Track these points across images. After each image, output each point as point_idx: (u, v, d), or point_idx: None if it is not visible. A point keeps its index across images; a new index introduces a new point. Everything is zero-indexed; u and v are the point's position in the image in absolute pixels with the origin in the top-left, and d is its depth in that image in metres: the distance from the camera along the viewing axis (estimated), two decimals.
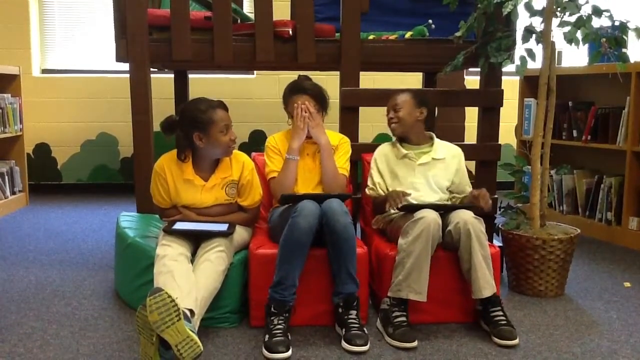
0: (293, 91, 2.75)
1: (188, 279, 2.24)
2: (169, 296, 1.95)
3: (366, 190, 2.79)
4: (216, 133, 2.48)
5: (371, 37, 3.24)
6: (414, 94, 2.77)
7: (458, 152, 2.80)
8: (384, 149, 2.81)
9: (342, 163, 2.78)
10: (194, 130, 2.48)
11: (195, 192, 2.57)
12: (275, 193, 2.72)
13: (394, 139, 2.84)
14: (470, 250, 2.38)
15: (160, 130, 2.57)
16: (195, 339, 1.97)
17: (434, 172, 2.71)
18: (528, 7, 2.77)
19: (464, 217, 2.42)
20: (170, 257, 2.30)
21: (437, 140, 2.78)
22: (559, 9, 2.75)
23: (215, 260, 2.33)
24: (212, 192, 2.58)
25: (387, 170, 2.74)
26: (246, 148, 5.28)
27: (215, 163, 2.60)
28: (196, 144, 2.50)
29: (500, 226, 2.99)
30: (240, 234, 2.58)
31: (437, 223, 2.39)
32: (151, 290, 1.98)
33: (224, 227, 2.47)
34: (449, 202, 2.72)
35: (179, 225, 2.48)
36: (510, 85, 4.38)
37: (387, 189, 2.72)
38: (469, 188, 2.77)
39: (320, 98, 2.76)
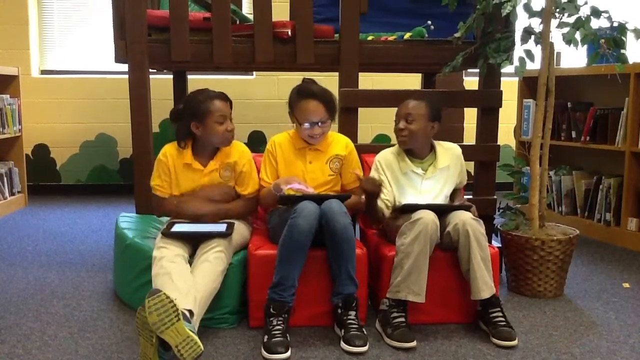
0: (301, 95, 2.65)
1: (186, 279, 2.24)
2: (168, 297, 1.95)
3: (382, 206, 2.63)
4: (212, 123, 2.56)
5: (370, 38, 3.24)
6: (429, 106, 2.62)
7: (457, 152, 2.75)
8: (387, 157, 2.70)
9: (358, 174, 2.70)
10: (192, 119, 2.58)
11: (193, 176, 2.63)
12: (260, 203, 2.74)
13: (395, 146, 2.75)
14: (469, 251, 2.37)
15: (170, 119, 2.70)
16: (196, 339, 1.97)
17: (440, 183, 2.67)
18: (527, 8, 2.78)
19: (463, 218, 2.42)
20: (167, 258, 2.30)
21: (437, 146, 2.70)
22: (557, 10, 2.75)
23: (214, 261, 2.34)
24: (209, 176, 2.65)
25: (392, 182, 2.67)
26: None
27: (215, 151, 2.67)
28: (194, 132, 2.59)
29: (499, 227, 2.99)
30: (240, 233, 2.58)
31: (434, 223, 2.38)
32: (150, 291, 1.98)
33: (222, 227, 2.48)
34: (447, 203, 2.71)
35: (177, 228, 2.48)
36: (509, 86, 4.37)
37: (394, 200, 2.67)
38: (465, 181, 2.78)
39: (329, 104, 2.64)
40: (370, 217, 2.73)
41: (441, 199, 2.67)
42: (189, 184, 2.64)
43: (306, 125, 2.62)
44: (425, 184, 2.65)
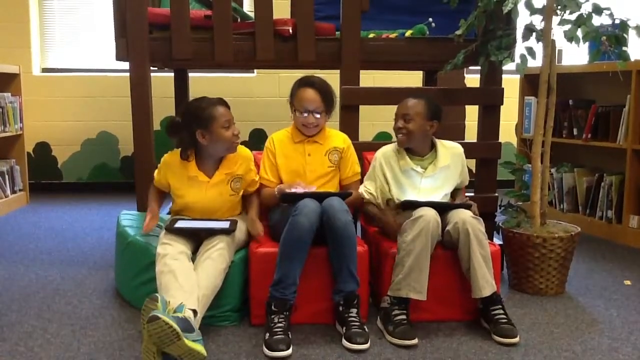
0: (301, 83, 2.70)
1: (190, 278, 2.25)
2: (166, 323, 1.94)
3: (363, 190, 2.71)
4: (218, 129, 2.49)
5: (371, 35, 3.24)
6: (427, 105, 2.62)
7: (459, 150, 2.74)
8: (387, 155, 2.70)
9: (356, 169, 2.78)
10: (197, 127, 2.50)
11: (199, 188, 2.58)
12: (261, 201, 2.74)
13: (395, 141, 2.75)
14: (469, 249, 2.37)
15: (165, 132, 2.58)
16: (197, 349, 1.99)
17: (439, 182, 2.66)
18: (528, 5, 2.77)
19: (463, 216, 2.42)
20: (171, 256, 2.31)
21: (438, 145, 2.69)
22: (559, 7, 2.75)
23: (217, 258, 2.34)
24: (217, 187, 2.59)
25: (392, 179, 2.67)
26: (247, 147, 5.27)
27: (220, 160, 2.62)
28: (200, 142, 2.51)
29: (500, 224, 2.99)
30: (242, 231, 2.58)
31: (436, 221, 2.38)
32: (149, 316, 1.96)
33: (225, 224, 2.48)
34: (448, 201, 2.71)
35: (181, 224, 2.48)
36: (511, 84, 4.38)
37: (389, 196, 2.68)
38: (467, 181, 2.78)
39: (326, 96, 2.67)
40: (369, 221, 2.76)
41: (441, 197, 2.67)
42: (194, 194, 2.58)
43: (302, 113, 2.65)
44: (425, 182, 2.65)
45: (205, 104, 2.52)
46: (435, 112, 2.64)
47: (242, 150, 2.67)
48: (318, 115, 2.65)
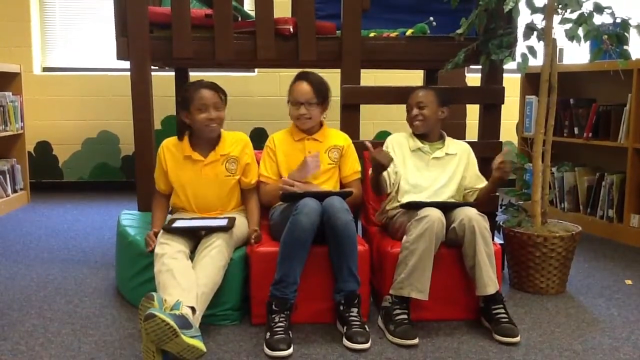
0: (296, 77, 2.74)
1: (188, 276, 2.25)
2: (163, 320, 1.94)
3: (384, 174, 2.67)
4: (194, 111, 2.58)
5: (372, 34, 3.24)
6: (436, 92, 2.75)
7: (467, 147, 2.80)
8: (398, 138, 2.78)
9: (356, 167, 2.80)
10: (181, 108, 2.63)
11: (194, 168, 2.63)
12: (261, 199, 2.75)
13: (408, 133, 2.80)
14: (474, 247, 2.37)
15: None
16: (196, 345, 1.98)
17: (447, 167, 2.70)
18: (529, 4, 2.77)
19: (469, 214, 2.42)
20: (169, 255, 2.31)
21: (447, 138, 2.78)
22: (560, 6, 2.74)
23: (215, 256, 2.34)
24: (212, 167, 2.64)
25: (400, 159, 2.71)
26: None
27: (215, 141, 2.67)
28: (185, 121, 2.64)
29: (501, 224, 2.99)
30: (241, 228, 2.58)
31: (441, 221, 2.38)
32: (146, 314, 1.96)
33: (223, 221, 2.48)
34: (455, 200, 2.71)
35: (179, 223, 2.48)
36: (512, 83, 4.37)
37: (395, 177, 2.68)
38: (482, 182, 2.75)
39: (318, 87, 2.69)
40: (374, 191, 2.72)
41: (448, 188, 2.67)
42: (189, 175, 2.63)
43: (295, 105, 2.70)
44: (433, 163, 2.69)
45: (192, 87, 2.63)
46: (445, 99, 2.74)
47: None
48: (311, 107, 2.68)
